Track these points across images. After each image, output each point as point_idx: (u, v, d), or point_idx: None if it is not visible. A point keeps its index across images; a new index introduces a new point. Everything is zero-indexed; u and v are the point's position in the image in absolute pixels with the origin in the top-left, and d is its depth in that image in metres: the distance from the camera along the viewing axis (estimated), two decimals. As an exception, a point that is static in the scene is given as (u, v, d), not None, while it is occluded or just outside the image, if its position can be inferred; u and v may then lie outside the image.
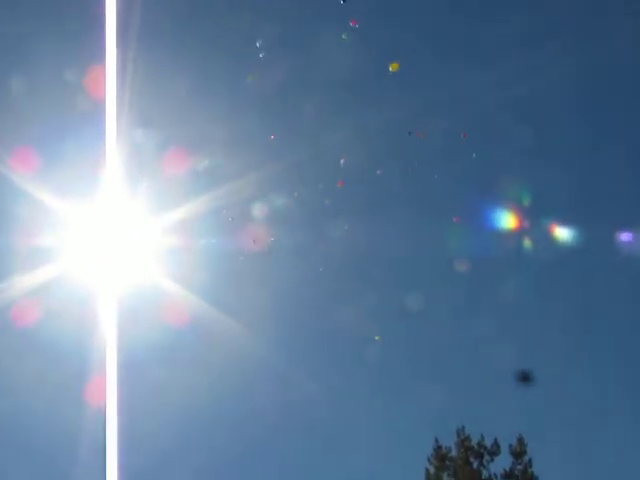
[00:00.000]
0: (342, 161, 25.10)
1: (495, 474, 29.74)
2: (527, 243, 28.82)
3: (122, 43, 19.52)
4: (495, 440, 30.04)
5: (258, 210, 26.30)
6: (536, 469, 29.53)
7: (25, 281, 25.45)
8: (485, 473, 29.77)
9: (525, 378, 29.02)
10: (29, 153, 25.15)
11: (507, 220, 28.36)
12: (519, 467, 29.66)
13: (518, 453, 29.80)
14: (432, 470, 30.00)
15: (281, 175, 26.19)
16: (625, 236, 28.41)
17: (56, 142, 25.91)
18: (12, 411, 27.60)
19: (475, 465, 29.82)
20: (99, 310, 22.67)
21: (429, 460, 30.13)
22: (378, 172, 26.22)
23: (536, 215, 28.68)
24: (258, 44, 23.80)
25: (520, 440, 29.83)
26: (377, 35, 27.25)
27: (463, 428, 30.23)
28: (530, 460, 29.63)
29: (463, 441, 30.12)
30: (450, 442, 30.27)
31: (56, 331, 26.24)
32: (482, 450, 29.97)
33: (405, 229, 28.80)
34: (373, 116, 26.82)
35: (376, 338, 27.96)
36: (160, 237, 25.71)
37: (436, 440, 30.26)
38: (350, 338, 29.29)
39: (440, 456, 30.08)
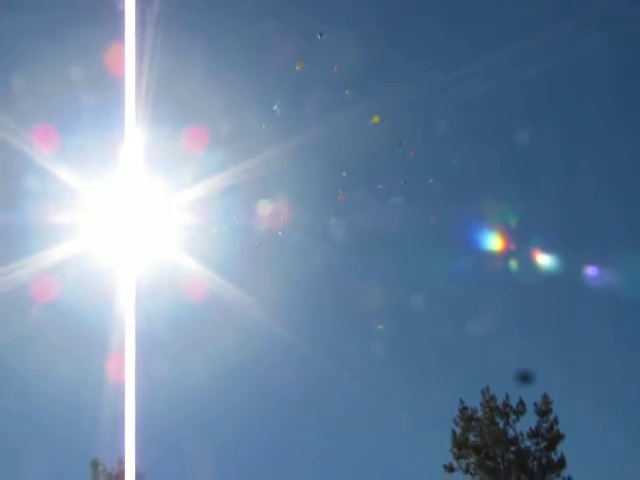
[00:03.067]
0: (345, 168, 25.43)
1: (521, 433, 29.86)
2: (512, 266, 29.37)
3: (142, 22, 19.66)
4: (520, 399, 30.04)
5: (276, 188, 26.45)
6: (562, 427, 29.69)
7: (46, 258, 25.67)
8: (511, 432, 29.87)
9: (525, 378, 29.35)
10: (49, 132, 25.31)
11: (492, 243, 28.83)
12: (545, 425, 29.76)
13: (544, 412, 29.87)
14: (458, 431, 30.21)
15: (299, 154, 26.32)
16: (591, 270, 29.05)
17: (76, 121, 26.08)
18: (32, 385, 27.97)
19: (501, 425, 29.93)
20: (118, 286, 22.87)
21: (455, 421, 30.36)
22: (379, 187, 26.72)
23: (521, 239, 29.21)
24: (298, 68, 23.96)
25: (545, 398, 29.87)
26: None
27: (488, 388, 30.31)
28: (556, 418, 29.73)
29: (488, 401, 30.18)
30: (475, 403, 30.41)
31: (76, 307, 26.57)
32: (507, 410, 30.03)
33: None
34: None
35: (379, 327, 28.20)
36: (178, 214, 25.83)
37: (461, 401, 30.48)
38: (369, 311, 29.49)
39: (466, 417, 30.26)
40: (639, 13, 28.34)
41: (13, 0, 26.97)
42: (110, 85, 23.48)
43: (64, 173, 25.00)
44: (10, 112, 25.77)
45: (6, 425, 28.85)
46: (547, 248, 28.98)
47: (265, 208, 26.09)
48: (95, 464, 29.93)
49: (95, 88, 25.66)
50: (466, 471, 29.66)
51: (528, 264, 29.04)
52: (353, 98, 25.64)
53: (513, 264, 29.42)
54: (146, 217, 24.54)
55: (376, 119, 23.79)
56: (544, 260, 28.96)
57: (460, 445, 29.96)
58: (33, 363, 27.91)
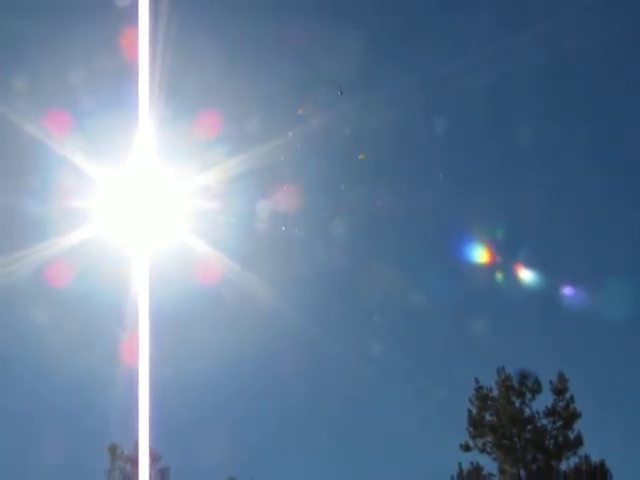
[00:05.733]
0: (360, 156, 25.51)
1: (537, 412, 29.90)
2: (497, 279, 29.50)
3: (156, 10, 19.73)
4: (536, 378, 30.14)
5: (288, 174, 26.52)
6: (578, 405, 29.70)
7: (60, 243, 25.87)
8: (527, 411, 29.92)
9: (524, 378, 29.44)
10: (64, 118, 25.46)
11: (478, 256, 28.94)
12: (561, 404, 29.78)
13: (559, 390, 29.90)
14: (474, 411, 30.26)
15: (310, 140, 26.37)
16: (568, 290, 29.19)
17: (90, 107, 26.20)
18: (47, 370, 28.27)
19: (517, 404, 29.92)
20: (132, 271, 22.99)
21: (470, 400, 30.40)
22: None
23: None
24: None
25: (561, 377, 29.94)
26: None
27: (503, 368, 30.31)
28: (572, 396, 29.75)
29: (504, 380, 30.17)
30: (491, 382, 30.45)
31: (90, 292, 26.80)
32: (523, 389, 30.04)
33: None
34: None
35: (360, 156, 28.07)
36: (192, 200, 25.95)
37: (476, 380, 30.56)
38: (381, 298, 29.63)
39: (481, 396, 30.30)
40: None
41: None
42: (124, 72, 23.56)
43: (78, 159, 25.13)
44: (25, 98, 25.95)
45: (23, 410, 29.24)
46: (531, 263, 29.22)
47: (278, 194, 26.22)
48: (113, 448, 30.15)
49: (109, 75, 25.74)
50: (482, 450, 29.69)
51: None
52: (361, 88, 25.75)
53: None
54: (160, 203, 24.66)
55: (362, 155, 24.28)
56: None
57: (476, 424, 29.99)
58: (48, 348, 28.21)
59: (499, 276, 29.99)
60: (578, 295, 29.78)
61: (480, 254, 29.11)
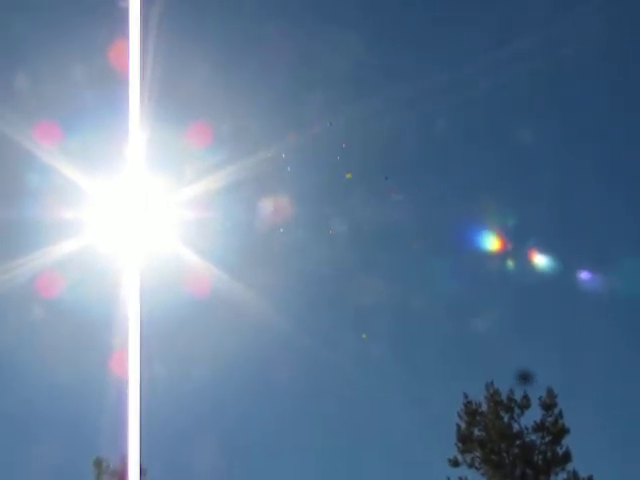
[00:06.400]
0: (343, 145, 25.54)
1: (526, 427, 29.83)
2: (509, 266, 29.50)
3: (146, 19, 19.68)
4: (525, 393, 30.08)
5: (279, 184, 26.53)
6: (567, 421, 29.62)
7: (50, 254, 25.75)
8: (516, 426, 29.85)
9: (524, 378, 29.42)
10: (54, 129, 25.38)
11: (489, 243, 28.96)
12: (550, 419, 29.71)
13: (548, 405, 29.83)
14: (463, 426, 30.16)
15: (301, 150, 26.38)
16: (585, 275, 29.23)
17: (80, 117, 26.17)
18: (35, 381, 28.08)
19: (506, 419, 29.86)
20: (122, 282, 22.86)
21: (459, 415, 30.31)
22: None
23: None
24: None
25: (550, 392, 29.87)
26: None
27: (492, 382, 30.24)
28: (561, 412, 29.69)
29: (492, 395, 30.10)
30: (480, 397, 30.33)
31: (80, 303, 26.66)
32: (512, 404, 29.95)
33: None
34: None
35: (363, 337, 28.36)
36: (182, 210, 25.91)
37: (465, 395, 30.44)
38: (370, 307, 29.60)
39: (470, 411, 30.20)
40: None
41: (18, -1, 27.09)
42: (114, 82, 23.52)
43: (68, 170, 25.08)
44: (15, 109, 25.88)
45: (10, 421, 28.99)
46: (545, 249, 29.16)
47: (268, 204, 26.20)
48: (99, 462, 29.78)
49: (99, 85, 25.78)
50: (471, 465, 29.59)
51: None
52: (354, 96, 25.76)
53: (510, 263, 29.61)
54: (150, 213, 24.61)
55: (349, 175, 24.46)
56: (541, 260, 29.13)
57: (465, 439, 29.91)
58: (37, 360, 28.03)
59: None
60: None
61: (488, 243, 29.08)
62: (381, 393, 30.15)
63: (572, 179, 31.75)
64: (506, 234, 29.09)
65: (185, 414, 28.61)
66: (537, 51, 27.07)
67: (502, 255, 29.41)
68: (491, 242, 29.07)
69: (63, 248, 25.69)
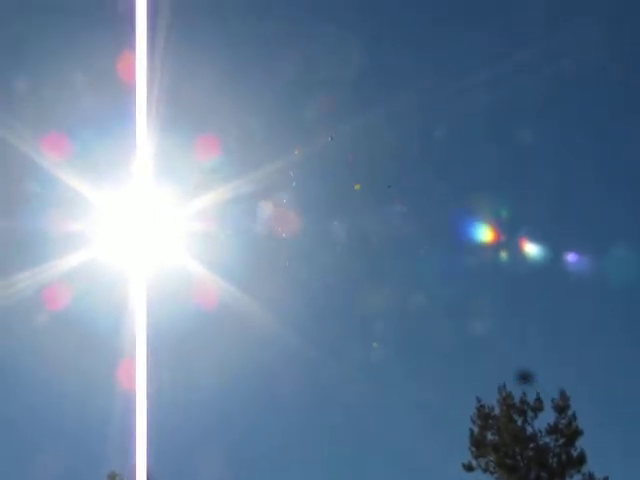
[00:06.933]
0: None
1: (540, 430, 29.68)
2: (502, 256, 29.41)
3: (153, 28, 19.74)
4: (537, 396, 29.92)
5: (285, 195, 26.53)
6: (580, 423, 29.45)
7: (57, 266, 25.83)
8: (529, 429, 29.70)
9: (525, 378, 29.33)
10: (60, 139, 25.46)
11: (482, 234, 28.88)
12: (563, 422, 29.54)
13: (561, 408, 29.66)
14: (476, 430, 30.03)
15: (308, 161, 26.39)
16: (572, 257, 29.12)
17: (87, 129, 26.21)
18: (44, 392, 28.24)
19: (519, 422, 29.71)
20: (129, 294, 22.96)
21: (472, 420, 30.16)
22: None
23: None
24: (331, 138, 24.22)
25: (563, 395, 29.70)
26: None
27: (504, 385, 30.12)
28: (574, 414, 29.50)
29: (505, 399, 29.95)
30: (492, 401, 30.18)
31: (87, 315, 26.76)
32: (525, 407, 29.81)
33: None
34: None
35: (374, 345, 28.36)
36: (189, 222, 25.96)
37: (478, 399, 30.29)
38: (379, 313, 29.63)
39: (483, 415, 30.05)
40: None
41: (24, 5, 27.14)
42: (121, 92, 23.57)
43: (75, 181, 25.14)
44: (22, 120, 25.95)
45: (18, 432, 29.19)
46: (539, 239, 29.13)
47: (275, 215, 26.24)
48: (112, 476, 29.79)
49: (106, 97, 25.79)
50: (485, 469, 29.46)
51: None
52: (358, 103, 25.77)
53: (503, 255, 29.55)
54: (157, 225, 24.69)
55: (358, 186, 24.60)
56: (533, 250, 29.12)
57: (478, 444, 29.75)
58: (45, 371, 28.17)
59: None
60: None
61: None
62: (389, 403, 30.11)
63: (571, 178, 31.70)
64: (500, 226, 29.02)
65: (192, 425, 28.71)
66: (537, 63, 26.96)
67: (495, 246, 29.38)
68: (486, 234, 29.03)
69: (70, 260, 25.75)
